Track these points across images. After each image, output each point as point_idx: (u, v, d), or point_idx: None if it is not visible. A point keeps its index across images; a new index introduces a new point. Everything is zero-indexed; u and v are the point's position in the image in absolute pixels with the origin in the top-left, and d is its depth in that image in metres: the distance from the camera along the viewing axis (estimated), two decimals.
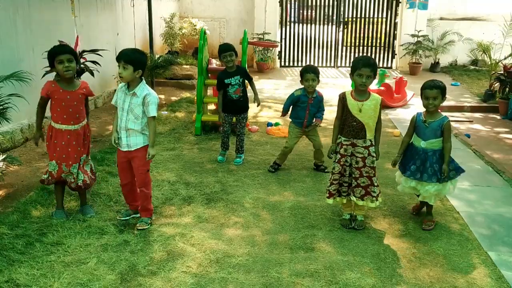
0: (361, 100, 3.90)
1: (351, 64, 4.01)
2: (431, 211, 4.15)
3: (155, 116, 3.83)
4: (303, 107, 5.16)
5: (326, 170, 5.29)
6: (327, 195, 4.10)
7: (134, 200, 4.12)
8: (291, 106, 5.28)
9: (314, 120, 5.26)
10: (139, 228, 3.91)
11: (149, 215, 4.03)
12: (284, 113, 5.38)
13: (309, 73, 5.04)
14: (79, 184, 4.03)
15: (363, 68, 3.80)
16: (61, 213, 4.08)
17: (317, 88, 5.20)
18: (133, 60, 3.71)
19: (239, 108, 5.51)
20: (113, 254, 3.50)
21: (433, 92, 3.88)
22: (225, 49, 5.37)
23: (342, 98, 3.98)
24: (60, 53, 3.82)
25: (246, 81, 5.59)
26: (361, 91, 3.92)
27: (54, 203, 4.25)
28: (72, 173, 3.99)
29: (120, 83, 3.97)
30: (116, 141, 3.93)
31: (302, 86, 5.16)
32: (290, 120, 5.36)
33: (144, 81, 3.87)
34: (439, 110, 3.99)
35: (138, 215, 4.08)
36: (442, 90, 3.90)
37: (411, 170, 4.00)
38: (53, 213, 4.09)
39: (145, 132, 3.87)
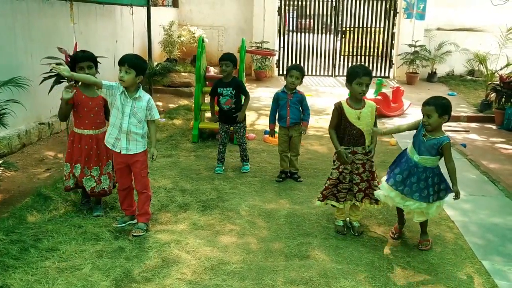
0: (358, 108, 3.94)
1: (347, 72, 4.03)
2: (426, 230, 3.93)
3: (156, 119, 4.02)
4: (283, 104, 5.21)
5: (299, 180, 5.32)
6: (320, 197, 4.12)
7: (130, 205, 4.15)
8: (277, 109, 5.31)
9: (301, 124, 5.29)
10: (134, 234, 3.90)
11: (146, 220, 4.05)
12: (271, 123, 5.39)
13: (294, 70, 5.13)
14: (104, 188, 4.20)
15: (364, 77, 3.85)
16: (100, 208, 4.30)
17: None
18: (137, 65, 3.79)
19: (230, 119, 5.52)
20: (108, 261, 3.50)
21: (425, 109, 3.67)
22: (224, 58, 5.44)
23: (339, 107, 3.97)
24: (80, 60, 4.03)
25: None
26: (357, 100, 3.95)
27: (50, 209, 4.26)
28: (93, 176, 4.13)
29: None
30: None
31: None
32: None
33: (141, 87, 3.92)
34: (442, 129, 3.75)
35: (134, 221, 4.09)
36: (436, 107, 3.59)
37: (396, 180, 3.78)
38: (93, 210, 4.28)
39: (145, 136, 3.97)
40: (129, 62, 3.76)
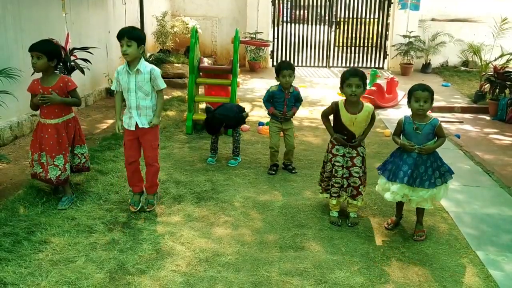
0: (354, 112, 3.91)
1: (340, 78, 4.00)
2: (422, 220, 3.93)
3: (163, 89, 3.98)
4: (281, 102, 5.16)
5: (293, 171, 5.30)
6: (320, 189, 4.25)
7: (139, 181, 4.26)
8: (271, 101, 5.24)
9: (291, 110, 5.24)
10: (148, 210, 4.09)
11: (155, 190, 4.24)
12: (269, 109, 5.27)
13: (286, 69, 5.04)
14: (66, 176, 4.18)
15: (351, 78, 3.84)
16: (68, 199, 4.24)
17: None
18: (136, 36, 3.77)
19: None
20: (102, 253, 3.48)
21: (423, 94, 3.66)
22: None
23: (335, 107, 3.98)
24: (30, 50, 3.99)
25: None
26: (353, 102, 3.91)
27: (42, 201, 4.22)
28: (57, 165, 4.09)
29: (119, 67, 3.98)
30: (121, 130, 4.04)
31: (278, 83, 5.15)
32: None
33: (143, 58, 3.90)
34: (428, 112, 3.84)
35: (145, 198, 4.24)
36: (432, 94, 3.73)
37: (409, 176, 3.69)
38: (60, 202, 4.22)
39: (155, 109, 4.02)
40: (127, 34, 3.73)
